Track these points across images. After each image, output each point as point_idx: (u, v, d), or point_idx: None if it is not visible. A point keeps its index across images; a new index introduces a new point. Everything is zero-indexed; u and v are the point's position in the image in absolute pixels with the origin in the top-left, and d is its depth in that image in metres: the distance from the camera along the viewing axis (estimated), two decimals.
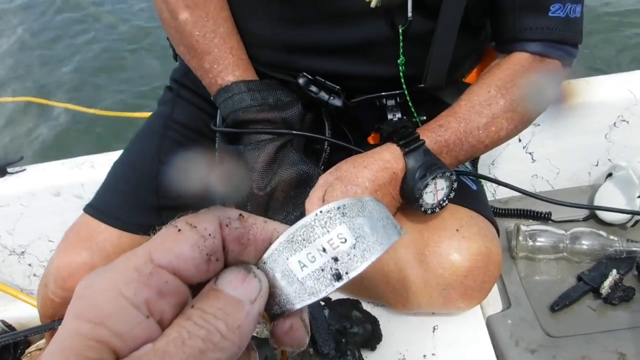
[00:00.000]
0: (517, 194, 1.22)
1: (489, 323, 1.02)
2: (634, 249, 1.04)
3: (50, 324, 0.79)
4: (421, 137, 0.71)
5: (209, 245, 0.25)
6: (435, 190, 0.70)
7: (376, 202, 0.28)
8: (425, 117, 0.82)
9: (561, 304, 1.00)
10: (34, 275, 1.30)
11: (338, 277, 0.26)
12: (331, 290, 0.26)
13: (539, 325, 0.98)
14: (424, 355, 0.77)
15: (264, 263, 0.27)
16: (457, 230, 0.74)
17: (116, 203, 0.88)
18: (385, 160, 0.71)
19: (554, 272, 1.08)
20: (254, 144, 0.76)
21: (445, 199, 0.72)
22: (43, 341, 1.03)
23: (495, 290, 1.00)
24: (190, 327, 0.23)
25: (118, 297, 0.23)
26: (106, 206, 0.88)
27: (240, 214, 0.27)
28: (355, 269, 0.26)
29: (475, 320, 0.81)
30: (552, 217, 1.15)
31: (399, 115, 0.80)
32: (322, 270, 0.26)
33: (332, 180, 0.72)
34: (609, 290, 1.00)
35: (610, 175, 1.15)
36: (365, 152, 0.74)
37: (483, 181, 0.95)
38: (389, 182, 0.71)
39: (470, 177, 0.87)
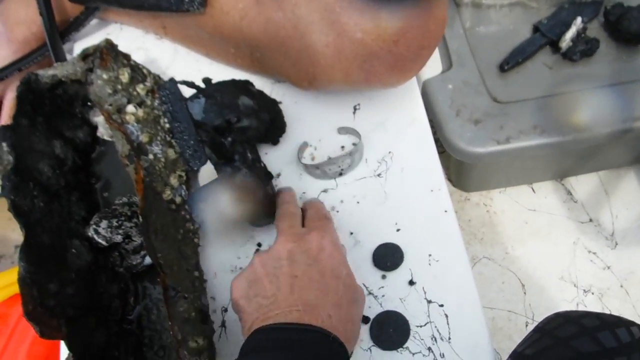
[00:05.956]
0: None
1: (425, 89, 0.82)
2: None
3: None
4: None
5: None
6: None
7: None
8: None
9: (512, 61, 0.81)
10: None
11: None
12: None
13: (484, 89, 0.80)
14: (342, 146, 0.57)
15: None
16: None
17: None
18: None
19: (506, 21, 0.85)
20: None
21: None
22: None
23: None
24: None
25: None
26: None
27: None
28: None
29: (410, 90, 0.60)
30: None
31: None
32: None
33: None
34: (570, 44, 0.80)
35: None
36: None
37: None
38: None
39: None
